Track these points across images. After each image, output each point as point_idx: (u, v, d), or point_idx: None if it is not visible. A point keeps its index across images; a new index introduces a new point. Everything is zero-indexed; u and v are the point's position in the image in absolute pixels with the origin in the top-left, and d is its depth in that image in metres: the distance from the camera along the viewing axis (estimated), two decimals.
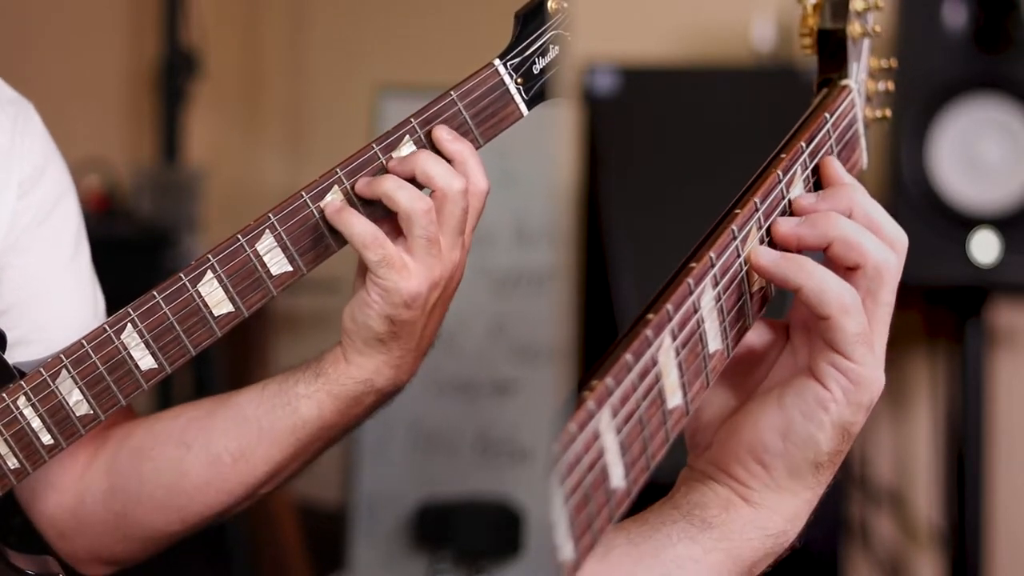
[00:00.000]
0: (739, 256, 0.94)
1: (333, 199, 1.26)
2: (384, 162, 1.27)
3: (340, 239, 1.28)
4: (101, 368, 1.26)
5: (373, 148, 1.27)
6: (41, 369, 1.26)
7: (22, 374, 1.27)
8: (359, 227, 1.25)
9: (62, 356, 1.26)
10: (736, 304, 0.95)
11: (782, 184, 0.98)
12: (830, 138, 1.05)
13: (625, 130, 2.80)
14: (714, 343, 0.92)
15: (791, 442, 0.96)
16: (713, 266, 0.91)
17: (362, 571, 3.24)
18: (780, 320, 1.02)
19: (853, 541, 2.94)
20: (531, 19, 1.30)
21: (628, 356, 0.82)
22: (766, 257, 0.95)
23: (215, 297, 1.26)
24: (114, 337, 1.26)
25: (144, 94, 3.81)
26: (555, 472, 0.76)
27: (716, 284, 0.92)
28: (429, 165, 1.25)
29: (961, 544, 2.70)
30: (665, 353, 0.86)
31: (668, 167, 2.78)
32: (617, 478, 0.81)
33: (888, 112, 1.18)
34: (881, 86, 1.18)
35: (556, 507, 0.75)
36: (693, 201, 2.60)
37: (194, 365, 3.14)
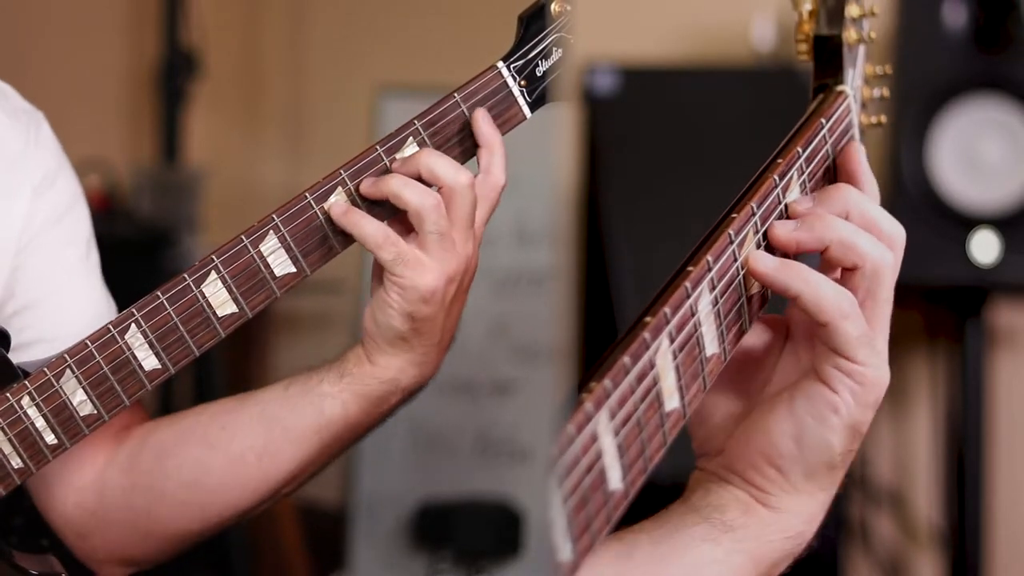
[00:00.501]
0: (736, 260, 0.95)
1: (337, 200, 1.27)
2: (388, 164, 1.27)
3: (344, 240, 1.28)
4: (105, 368, 1.26)
5: (377, 150, 1.27)
6: (45, 369, 1.26)
7: (26, 374, 1.28)
8: (370, 227, 1.26)
9: (66, 356, 1.26)
10: (733, 308, 0.95)
11: (778, 189, 0.99)
12: (826, 143, 1.05)
13: (625, 130, 2.81)
14: (711, 347, 0.93)
15: (805, 447, 0.97)
16: (710, 270, 0.92)
17: (362, 571, 3.24)
18: (779, 316, 1.03)
19: (853, 541, 2.95)
20: (534, 21, 1.30)
21: (626, 359, 0.82)
22: (764, 263, 0.96)
23: (219, 298, 1.27)
24: (118, 337, 1.26)
25: (144, 94, 3.81)
26: (554, 472, 0.76)
27: (713, 288, 0.92)
28: (433, 162, 1.26)
29: (961, 544, 2.71)
30: (663, 356, 0.86)
31: (668, 167, 2.78)
32: (615, 480, 0.81)
33: (883, 118, 1.18)
34: (876, 92, 1.19)
35: (554, 507, 0.76)
36: (693, 201, 2.61)
37: (195, 365, 3.13)
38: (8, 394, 1.26)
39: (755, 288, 0.98)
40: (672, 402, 0.88)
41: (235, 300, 1.27)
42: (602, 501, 0.80)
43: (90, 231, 1.46)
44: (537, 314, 3.18)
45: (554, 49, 1.30)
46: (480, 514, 3.13)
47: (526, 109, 1.30)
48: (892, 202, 2.59)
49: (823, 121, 1.05)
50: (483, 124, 1.27)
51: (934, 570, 2.96)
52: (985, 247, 2.63)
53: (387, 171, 1.27)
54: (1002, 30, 2.65)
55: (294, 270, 1.28)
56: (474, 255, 1.29)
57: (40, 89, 1.54)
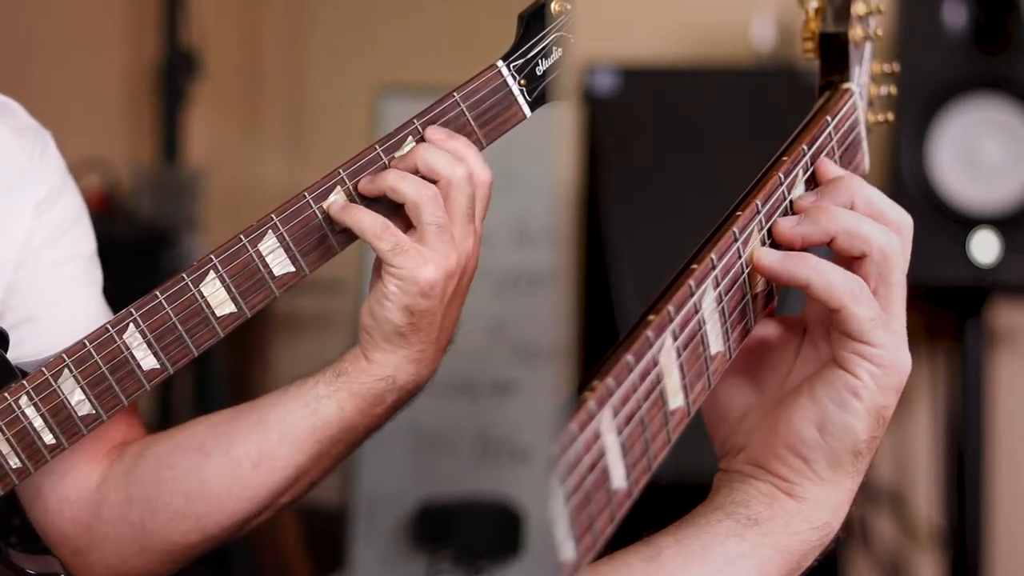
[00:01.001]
0: (740, 258, 0.95)
1: (336, 199, 1.26)
2: (387, 163, 1.27)
3: (343, 239, 1.28)
4: (103, 368, 1.26)
5: (376, 149, 1.27)
6: (43, 369, 1.26)
7: (24, 374, 1.27)
8: (368, 220, 1.25)
9: (64, 356, 1.26)
10: (738, 305, 0.95)
11: (783, 186, 0.99)
12: (831, 141, 1.05)
13: (625, 130, 2.81)
14: (716, 345, 0.93)
15: (828, 433, 0.97)
16: (714, 268, 0.91)
17: (362, 571, 3.24)
18: (796, 316, 1.03)
19: (853, 541, 2.94)
20: (534, 21, 1.30)
21: (629, 357, 0.82)
22: (769, 257, 0.96)
23: (217, 297, 1.26)
24: (116, 337, 1.26)
25: (144, 94, 3.81)
26: (555, 472, 0.76)
27: (717, 286, 0.92)
28: (430, 155, 1.25)
29: (961, 544, 2.70)
30: (666, 354, 0.86)
31: (668, 167, 2.78)
32: (618, 479, 0.81)
33: (890, 116, 1.18)
34: (883, 90, 1.19)
35: (556, 506, 0.76)
36: (693, 201, 2.61)
37: (195, 366, 3.14)
38: (6, 394, 1.26)
39: (760, 286, 0.98)
40: (676, 400, 0.88)
41: (234, 300, 1.27)
42: (605, 500, 0.80)
43: (93, 248, 1.45)
44: (537, 314, 3.18)
45: (554, 48, 1.30)
46: (480, 514, 3.13)
47: (526, 108, 1.30)
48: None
49: (829, 119, 1.05)
50: (440, 143, 1.26)
51: (934, 570, 2.96)
52: (985, 247, 2.63)
53: (386, 169, 1.27)
54: (1002, 30, 2.65)
55: (293, 270, 1.27)
56: (474, 253, 1.28)
57: (40, 89, 1.54)
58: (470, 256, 1.28)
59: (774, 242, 0.98)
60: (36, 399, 1.26)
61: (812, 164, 1.03)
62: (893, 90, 1.19)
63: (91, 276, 1.44)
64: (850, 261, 0.98)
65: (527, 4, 1.31)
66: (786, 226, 0.98)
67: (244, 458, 1.34)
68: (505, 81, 1.29)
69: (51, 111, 1.48)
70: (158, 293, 1.26)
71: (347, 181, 1.27)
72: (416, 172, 1.25)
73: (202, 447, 1.36)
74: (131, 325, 1.26)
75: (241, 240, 1.26)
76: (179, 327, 1.26)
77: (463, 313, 1.32)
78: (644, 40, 3.04)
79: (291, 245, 1.26)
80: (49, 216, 1.40)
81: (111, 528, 1.39)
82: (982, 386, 2.73)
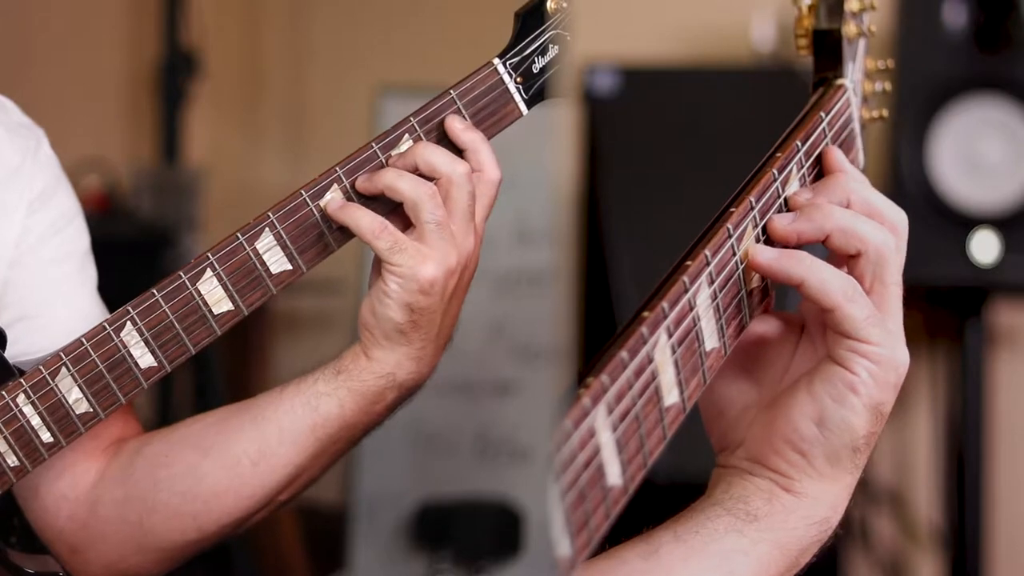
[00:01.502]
0: (735, 254, 0.95)
1: (333, 197, 1.26)
2: (383, 160, 1.27)
3: (339, 237, 1.27)
4: (101, 366, 1.26)
5: (372, 147, 1.27)
6: (40, 367, 1.26)
7: (21, 372, 1.27)
8: (366, 219, 1.25)
9: (61, 354, 1.26)
10: (733, 302, 0.95)
11: (777, 183, 0.99)
12: (826, 137, 1.05)
13: (625, 130, 2.80)
14: (710, 341, 0.93)
15: (827, 428, 0.97)
16: (708, 264, 0.91)
17: (362, 571, 3.24)
18: (793, 313, 1.03)
19: (853, 541, 2.94)
20: (530, 18, 1.30)
21: (623, 353, 0.82)
22: (764, 255, 0.96)
23: (215, 295, 1.26)
24: (113, 335, 1.26)
25: (144, 94, 3.81)
26: (553, 470, 0.76)
27: (712, 282, 0.92)
28: (429, 153, 1.25)
29: (961, 544, 2.70)
30: (661, 351, 0.86)
31: (668, 167, 2.78)
32: (614, 476, 0.81)
33: (885, 112, 1.18)
34: (878, 86, 1.19)
35: (553, 503, 0.75)
36: (693, 201, 2.60)
37: (194, 366, 3.15)
38: (3, 392, 1.26)
39: (755, 282, 0.98)
40: (671, 397, 0.88)
41: (231, 298, 1.26)
42: (600, 497, 0.80)
43: (87, 247, 1.45)
44: (537, 314, 3.18)
45: (550, 46, 1.30)
46: (480, 514, 3.13)
47: (522, 106, 1.30)
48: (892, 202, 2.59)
49: (822, 115, 1.05)
50: (458, 129, 1.27)
51: (934, 570, 2.95)
52: (985, 247, 2.63)
53: (383, 167, 1.27)
54: (1002, 30, 2.65)
55: (290, 267, 1.27)
56: (475, 251, 1.28)
57: (40, 89, 1.54)
58: (471, 253, 1.27)
59: (769, 239, 0.98)
60: (34, 397, 1.26)
61: (807, 160, 1.03)
62: (888, 86, 1.19)
63: (85, 274, 1.44)
64: (845, 259, 0.98)
65: (524, 2, 1.31)
66: (781, 223, 0.98)
67: (243, 456, 1.33)
68: (501, 79, 1.29)
69: (51, 111, 1.48)
70: (155, 291, 1.26)
71: (344, 179, 1.27)
72: (416, 170, 1.25)
73: (200, 445, 1.35)
74: (128, 323, 1.26)
75: (238, 238, 1.26)
76: (176, 325, 1.26)
77: (463, 313, 1.32)
78: (644, 40, 3.04)
79: (288, 243, 1.26)
80: (43, 214, 1.40)
81: (108, 526, 1.38)
82: (982, 386, 2.73)
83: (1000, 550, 2.84)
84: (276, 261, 1.27)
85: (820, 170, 1.05)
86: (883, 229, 0.98)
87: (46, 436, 1.27)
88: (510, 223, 3.20)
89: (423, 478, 3.21)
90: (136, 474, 1.37)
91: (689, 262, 0.90)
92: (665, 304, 0.87)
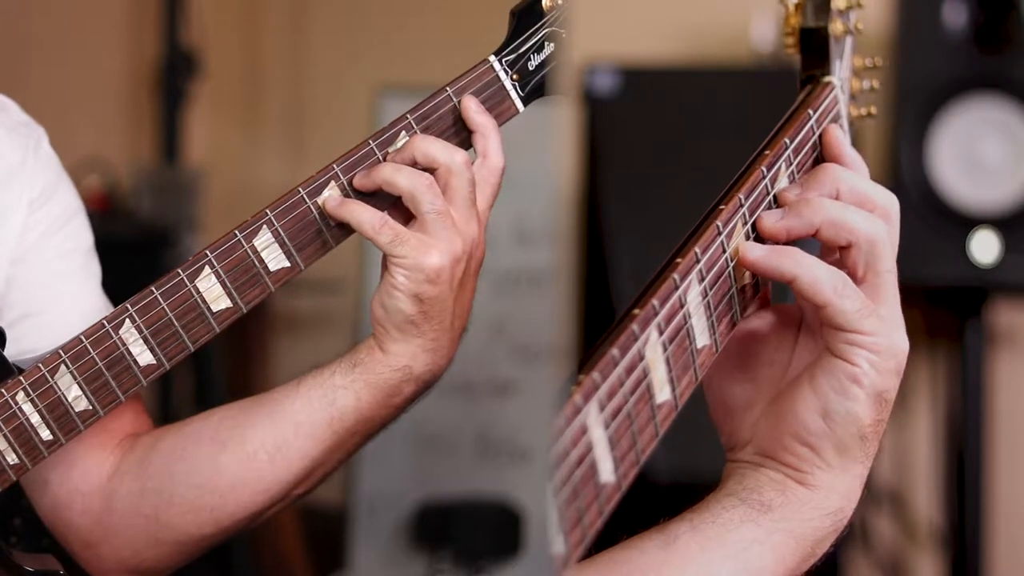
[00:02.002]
0: (725, 251, 0.95)
1: (331, 194, 1.26)
2: (381, 157, 1.27)
3: (338, 234, 1.28)
4: (100, 364, 1.26)
5: (369, 144, 1.27)
6: (40, 365, 1.26)
7: (20, 370, 1.27)
8: (366, 215, 1.25)
9: (60, 352, 1.26)
10: (724, 298, 0.95)
11: (766, 180, 0.99)
12: (814, 134, 1.06)
13: (625, 130, 2.81)
14: (702, 338, 0.93)
15: (833, 420, 0.97)
16: (698, 261, 0.92)
17: (362, 571, 3.24)
18: (792, 305, 1.03)
19: (853, 541, 2.94)
20: (526, 16, 1.30)
21: (614, 351, 0.82)
22: (754, 252, 0.96)
23: (213, 293, 1.26)
24: (112, 333, 1.26)
25: (144, 94, 3.81)
26: (551, 469, 0.76)
27: (702, 279, 0.92)
28: (427, 145, 1.26)
29: (961, 544, 2.70)
30: (652, 348, 0.86)
31: (668, 167, 2.78)
32: (606, 472, 0.81)
33: (874, 110, 1.19)
34: (866, 84, 1.19)
35: (549, 501, 0.76)
36: (693, 201, 2.60)
37: (194, 365, 3.15)
38: (3, 390, 1.26)
39: (746, 279, 0.98)
40: (663, 394, 0.88)
41: (229, 295, 1.27)
42: (594, 493, 0.80)
43: (90, 243, 1.45)
44: (537, 314, 3.18)
45: (546, 43, 1.30)
46: (480, 514, 3.13)
47: (519, 103, 1.30)
48: None
49: (810, 112, 1.06)
50: (473, 111, 1.27)
51: (934, 570, 2.95)
52: (985, 247, 2.63)
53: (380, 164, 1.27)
54: (1002, 30, 2.65)
55: (288, 265, 1.27)
56: (480, 238, 1.28)
57: (40, 90, 1.54)
58: (475, 240, 1.27)
59: (759, 237, 0.98)
60: (33, 395, 1.26)
61: (795, 157, 1.03)
62: (876, 84, 1.19)
63: (88, 270, 1.44)
64: (837, 251, 0.99)
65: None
66: (771, 220, 0.98)
67: (259, 449, 1.33)
68: (497, 76, 1.29)
69: (51, 111, 1.48)
70: (154, 289, 1.26)
71: (341, 176, 1.27)
72: (414, 164, 1.26)
73: (216, 438, 1.35)
74: (127, 321, 1.26)
75: (236, 235, 1.26)
76: (175, 323, 1.26)
77: None
78: (644, 40, 3.05)
79: (286, 240, 1.27)
80: (44, 212, 1.40)
81: (123, 520, 1.38)
82: (982, 386, 2.73)
83: (1000, 550, 2.84)
84: (274, 258, 1.27)
85: (815, 158, 1.06)
86: (873, 218, 0.98)
87: (45, 434, 1.27)
88: (510, 223, 3.20)
89: (423, 478, 3.21)
90: (152, 467, 1.37)
91: (679, 259, 0.90)
92: (655, 301, 0.87)
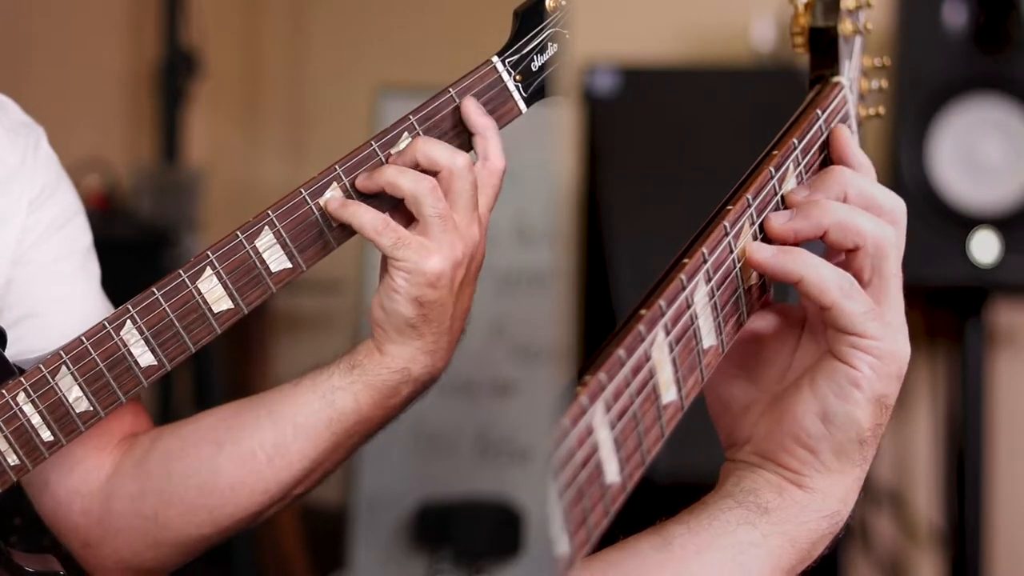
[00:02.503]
0: (732, 252, 0.95)
1: (333, 195, 1.26)
2: (383, 158, 1.27)
3: (339, 235, 1.28)
4: (101, 365, 1.26)
5: (372, 145, 1.27)
6: (41, 366, 1.26)
7: (21, 371, 1.27)
8: (367, 216, 1.25)
9: (61, 353, 1.26)
10: (730, 299, 0.95)
11: (774, 180, 0.99)
12: (822, 134, 1.05)
13: (625, 130, 2.81)
14: (708, 339, 0.93)
15: (832, 424, 0.97)
16: (705, 262, 0.91)
17: (362, 571, 3.24)
18: (795, 306, 1.03)
19: (853, 541, 2.94)
20: (529, 17, 1.30)
21: (621, 351, 0.82)
22: (762, 253, 0.96)
23: (214, 294, 1.26)
24: (113, 334, 1.26)
25: (144, 94, 3.81)
26: (552, 468, 0.76)
27: (709, 279, 0.92)
28: (429, 147, 1.25)
29: (961, 544, 2.70)
30: (659, 349, 0.86)
31: (668, 167, 2.78)
32: (612, 473, 0.81)
33: (881, 110, 1.19)
34: (875, 84, 1.19)
35: (551, 501, 0.75)
36: (693, 201, 2.60)
37: (194, 365, 3.15)
38: (4, 391, 1.26)
39: (753, 279, 0.98)
40: (669, 394, 0.88)
41: (231, 296, 1.26)
42: (599, 494, 0.80)
43: (89, 243, 1.45)
44: (537, 314, 3.18)
45: (549, 44, 1.30)
46: (480, 514, 3.13)
47: (521, 104, 1.30)
48: None
49: (819, 112, 1.05)
50: (473, 113, 1.27)
51: (934, 570, 2.95)
52: (985, 247, 2.63)
53: (383, 165, 1.27)
54: (1002, 30, 2.65)
55: (290, 266, 1.27)
56: (481, 241, 1.28)
57: (40, 90, 1.54)
58: (476, 244, 1.27)
59: (767, 237, 0.98)
60: (34, 396, 1.26)
61: (803, 157, 1.03)
62: (884, 84, 1.19)
63: (88, 271, 1.44)
64: (844, 254, 0.99)
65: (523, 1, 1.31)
66: (778, 222, 0.98)
67: (258, 450, 1.33)
68: (500, 77, 1.29)
69: (51, 111, 1.48)
70: (155, 290, 1.26)
71: (343, 177, 1.27)
72: (416, 166, 1.25)
73: (215, 439, 1.35)
74: (128, 322, 1.26)
75: (238, 236, 1.26)
76: (176, 324, 1.26)
77: None
78: (644, 40, 3.05)
79: (288, 241, 1.26)
80: (43, 213, 1.40)
81: (123, 520, 1.38)
82: (982, 386, 2.73)
83: (1000, 550, 2.84)
84: (276, 259, 1.27)
85: (823, 159, 1.06)
86: (880, 222, 0.98)
87: (46, 435, 1.27)
88: (510, 223, 3.20)
89: (423, 478, 3.21)
90: (151, 468, 1.37)
91: (686, 260, 0.90)
92: (662, 302, 0.87)
